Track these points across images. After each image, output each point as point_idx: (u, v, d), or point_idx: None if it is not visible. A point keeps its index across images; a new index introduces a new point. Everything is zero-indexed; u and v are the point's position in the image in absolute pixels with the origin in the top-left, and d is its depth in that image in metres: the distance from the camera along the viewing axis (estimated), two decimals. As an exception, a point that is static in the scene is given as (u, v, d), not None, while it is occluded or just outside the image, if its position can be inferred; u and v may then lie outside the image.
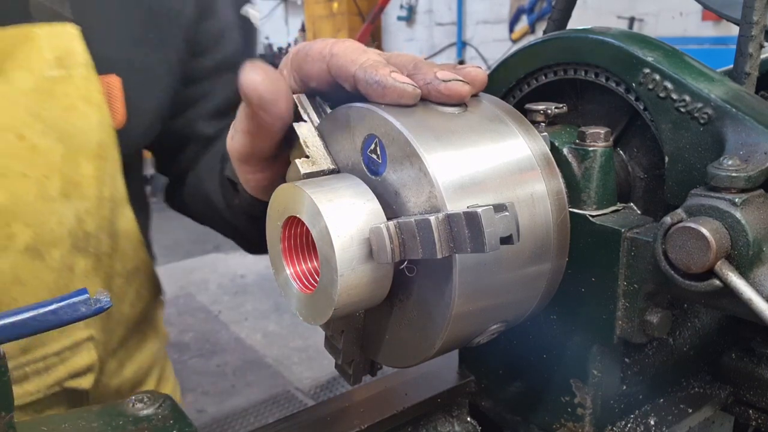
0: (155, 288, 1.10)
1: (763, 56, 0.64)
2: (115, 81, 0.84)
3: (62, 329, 0.82)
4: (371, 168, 0.52)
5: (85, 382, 0.92)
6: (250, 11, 1.07)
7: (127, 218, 0.93)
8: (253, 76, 0.54)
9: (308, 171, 0.54)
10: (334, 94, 0.58)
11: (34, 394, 0.87)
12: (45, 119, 0.78)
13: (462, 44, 6.84)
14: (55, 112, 0.79)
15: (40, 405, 0.89)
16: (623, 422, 0.66)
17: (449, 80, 0.51)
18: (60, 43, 0.79)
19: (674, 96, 0.56)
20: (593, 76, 0.62)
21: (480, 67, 0.56)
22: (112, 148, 0.85)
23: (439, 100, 0.52)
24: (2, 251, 0.79)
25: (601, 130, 0.58)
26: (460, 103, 0.55)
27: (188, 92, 1.01)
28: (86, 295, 0.43)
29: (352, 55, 0.54)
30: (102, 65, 0.83)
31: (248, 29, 1.07)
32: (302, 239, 0.55)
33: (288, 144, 0.60)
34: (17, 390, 0.86)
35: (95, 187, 0.84)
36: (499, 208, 0.44)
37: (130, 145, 0.88)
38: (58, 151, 0.79)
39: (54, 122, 0.79)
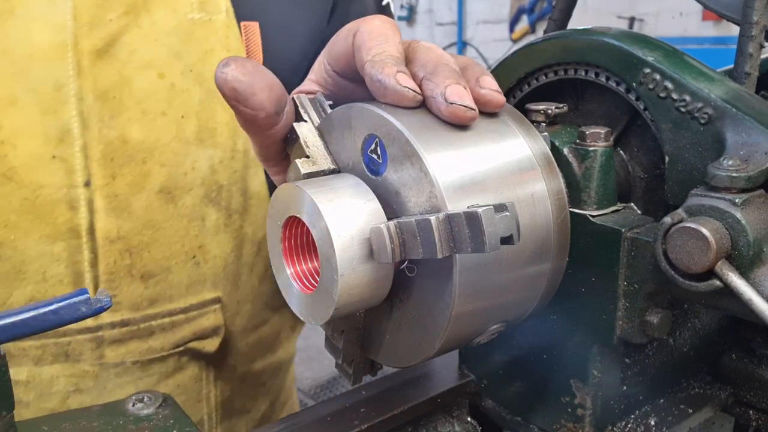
0: None
1: (763, 56, 0.64)
2: (254, 27, 0.84)
3: (189, 286, 0.82)
4: (371, 168, 0.52)
5: (210, 345, 0.90)
6: (391, 2, 1.06)
7: (259, 179, 0.90)
8: (225, 70, 0.53)
9: (308, 171, 0.54)
10: (359, 78, 0.56)
11: (159, 352, 0.86)
12: (185, 60, 0.78)
13: (462, 44, 6.83)
14: (195, 55, 0.79)
15: (165, 365, 0.88)
16: (623, 423, 0.66)
17: (453, 103, 0.50)
18: None
19: (674, 96, 0.56)
20: (593, 76, 0.62)
21: (500, 92, 0.54)
22: None
23: (438, 116, 0.52)
24: (138, 191, 0.78)
25: (602, 130, 0.58)
26: None
27: None
28: (86, 295, 0.43)
29: (370, 42, 0.53)
30: (243, 11, 0.82)
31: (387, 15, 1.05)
32: (303, 239, 0.55)
33: (289, 144, 0.60)
34: (143, 345, 0.85)
35: (229, 137, 0.84)
36: (499, 208, 0.44)
37: None
38: (196, 93, 0.79)
39: (193, 64, 0.79)
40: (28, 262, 0.75)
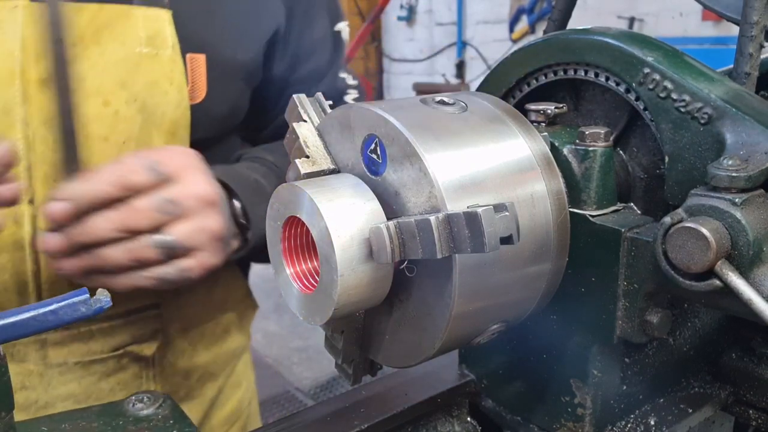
0: (237, 280, 1.09)
1: (763, 56, 0.64)
2: (200, 58, 0.90)
3: (128, 292, 0.84)
4: (371, 168, 0.52)
5: (148, 349, 0.94)
6: (343, 27, 1.12)
7: None
8: None
9: (308, 171, 0.54)
10: None
11: (98, 354, 0.90)
12: (130, 89, 0.84)
13: (462, 44, 6.83)
14: (140, 86, 0.84)
15: (105, 366, 0.92)
16: (623, 422, 0.66)
17: None
18: (153, 24, 0.86)
19: (674, 96, 0.56)
20: (593, 76, 0.62)
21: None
22: (183, 128, 0.90)
23: None
24: None
25: (601, 130, 0.58)
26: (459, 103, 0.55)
27: (280, 96, 1.07)
28: (86, 296, 0.43)
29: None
30: (190, 44, 0.89)
31: (338, 44, 1.12)
32: (302, 239, 0.55)
33: (289, 144, 0.60)
34: (83, 348, 0.89)
35: None
36: (499, 208, 0.44)
37: (210, 120, 0.94)
38: (137, 121, 0.85)
39: (137, 94, 0.84)
40: None
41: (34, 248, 0.82)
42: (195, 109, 0.91)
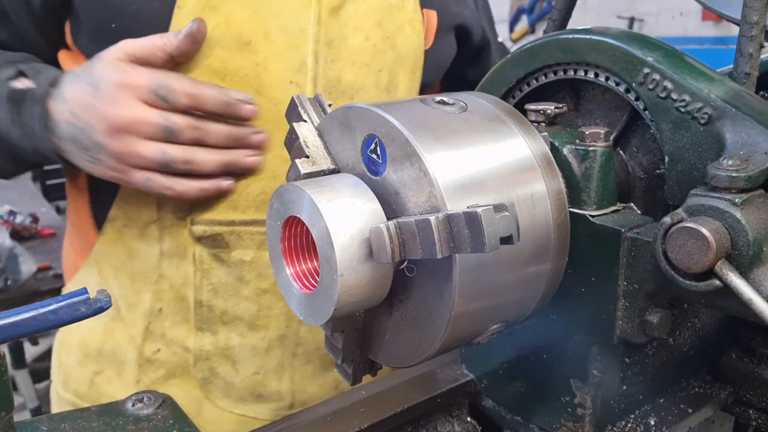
0: None
1: (763, 56, 0.64)
2: (433, 14, 1.09)
3: None
4: (371, 168, 0.52)
5: None
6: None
7: None
8: None
9: (308, 171, 0.54)
10: None
11: None
12: (384, 30, 1.03)
13: (462, 44, 6.83)
14: (390, 28, 1.03)
15: None
16: (623, 422, 0.66)
17: None
18: None
19: (674, 96, 0.56)
20: (593, 76, 0.62)
21: None
22: (420, 68, 1.08)
23: None
24: None
25: (601, 130, 0.58)
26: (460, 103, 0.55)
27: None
28: (86, 295, 0.43)
29: None
30: (426, 1, 1.08)
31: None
32: (302, 239, 0.55)
33: (289, 144, 0.60)
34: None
35: (407, 93, 1.08)
36: (499, 208, 0.44)
37: (432, 65, 1.12)
38: (390, 55, 1.03)
39: (389, 34, 1.03)
40: (264, 162, 0.96)
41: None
42: (425, 54, 1.08)
